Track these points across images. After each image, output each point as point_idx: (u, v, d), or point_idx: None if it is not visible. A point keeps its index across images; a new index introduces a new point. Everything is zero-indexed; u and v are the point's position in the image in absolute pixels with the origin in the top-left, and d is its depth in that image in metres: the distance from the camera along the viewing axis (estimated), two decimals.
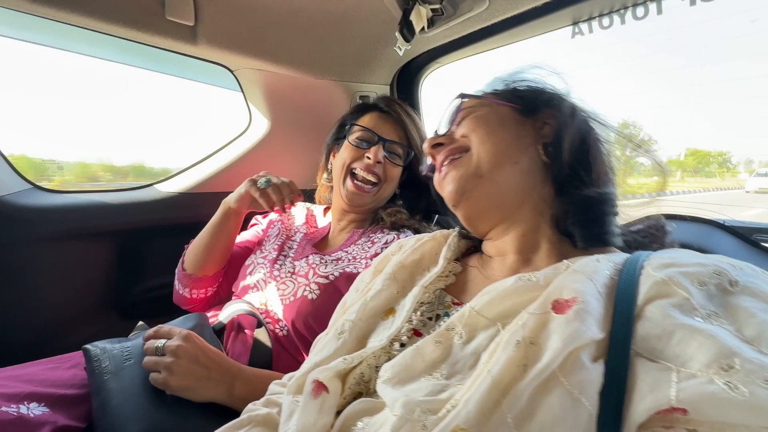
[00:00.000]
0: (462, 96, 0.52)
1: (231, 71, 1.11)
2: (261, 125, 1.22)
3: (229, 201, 0.88)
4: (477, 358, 0.35)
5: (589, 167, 0.45)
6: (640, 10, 0.83)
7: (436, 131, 0.53)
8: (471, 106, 0.51)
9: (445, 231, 0.55)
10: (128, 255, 1.14)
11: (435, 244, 0.52)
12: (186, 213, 1.17)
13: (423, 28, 0.87)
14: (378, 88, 1.24)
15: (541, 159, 0.47)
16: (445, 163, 0.49)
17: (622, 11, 0.85)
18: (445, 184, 0.48)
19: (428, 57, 1.16)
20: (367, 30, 0.97)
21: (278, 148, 1.24)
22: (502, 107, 0.49)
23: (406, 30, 0.87)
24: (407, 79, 1.24)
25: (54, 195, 1.04)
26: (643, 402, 0.27)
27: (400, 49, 0.91)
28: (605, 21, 0.89)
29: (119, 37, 0.89)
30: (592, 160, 0.45)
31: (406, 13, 0.85)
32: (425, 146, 0.52)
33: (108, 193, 1.11)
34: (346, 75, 1.17)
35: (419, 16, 0.85)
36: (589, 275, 0.35)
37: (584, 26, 0.91)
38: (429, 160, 0.54)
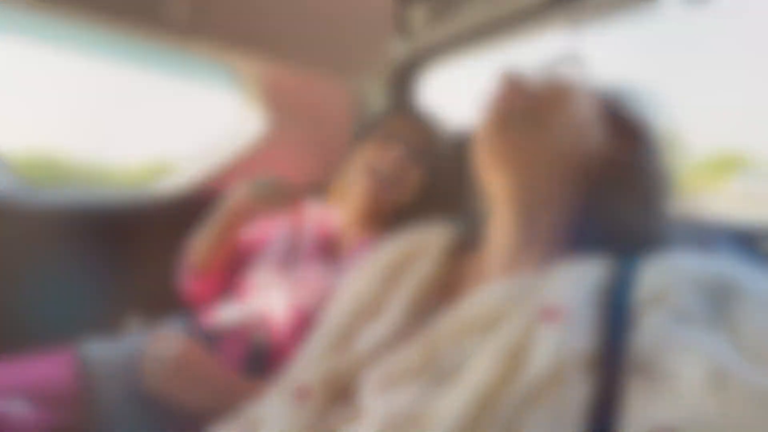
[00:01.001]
0: (576, 57, 0.45)
1: (227, 68, 1.10)
2: (258, 123, 1.22)
3: (230, 202, 0.86)
4: (461, 365, 0.34)
5: (645, 203, 0.43)
6: (637, 12, 0.83)
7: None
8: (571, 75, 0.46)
9: (434, 229, 0.53)
10: (125, 252, 1.14)
11: (423, 242, 0.50)
12: (184, 211, 1.17)
13: (421, 26, 0.87)
14: (376, 86, 1.23)
15: (591, 164, 0.43)
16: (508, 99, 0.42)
17: (620, 12, 0.85)
18: (493, 112, 0.42)
19: (427, 56, 1.15)
20: (366, 28, 0.97)
21: (276, 145, 1.24)
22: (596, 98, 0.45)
23: (405, 28, 0.87)
24: (406, 77, 1.23)
25: (49, 192, 1.04)
26: (635, 420, 0.26)
27: (399, 48, 0.91)
28: (604, 22, 0.89)
29: (110, 32, 0.87)
30: (646, 193, 0.43)
31: (404, 11, 0.85)
32: (506, 73, 0.43)
33: (105, 191, 1.11)
34: (343, 73, 1.16)
35: (418, 14, 0.85)
36: (580, 280, 0.34)
37: (583, 27, 0.91)
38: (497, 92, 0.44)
